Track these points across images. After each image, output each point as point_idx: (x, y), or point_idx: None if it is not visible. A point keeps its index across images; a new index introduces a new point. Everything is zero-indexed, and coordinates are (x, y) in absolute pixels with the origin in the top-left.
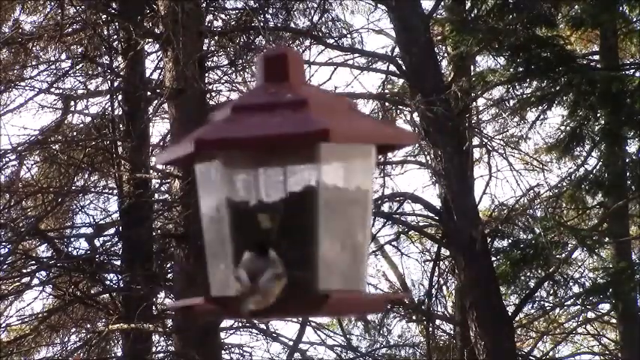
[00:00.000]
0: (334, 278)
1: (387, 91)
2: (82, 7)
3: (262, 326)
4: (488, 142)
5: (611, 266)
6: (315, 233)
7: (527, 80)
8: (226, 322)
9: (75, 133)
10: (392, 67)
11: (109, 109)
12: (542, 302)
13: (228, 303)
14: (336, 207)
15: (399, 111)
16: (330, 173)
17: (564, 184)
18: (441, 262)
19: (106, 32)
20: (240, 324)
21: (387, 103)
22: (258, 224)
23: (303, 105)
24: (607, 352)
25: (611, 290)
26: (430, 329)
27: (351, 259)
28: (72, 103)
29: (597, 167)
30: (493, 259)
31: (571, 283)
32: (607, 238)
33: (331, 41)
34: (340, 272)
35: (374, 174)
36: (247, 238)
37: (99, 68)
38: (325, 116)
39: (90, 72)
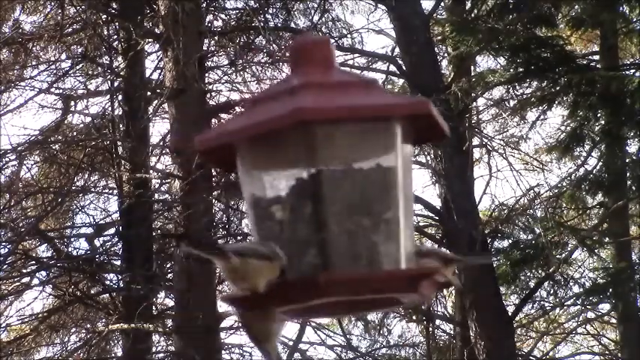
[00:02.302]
0: (351, 261)
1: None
2: (82, 7)
3: None
4: (488, 142)
5: (611, 266)
6: (322, 218)
7: (527, 80)
8: (226, 322)
9: (75, 133)
10: (392, 67)
11: (109, 109)
12: (542, 302)
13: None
14: (347, 188)
15: None
16: (335, 154)
17: (564, 184)
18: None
19: (106, 32)
20: (240, 324)
21: None
22: (273, 215)
23: (302, 89)
24: (607, 352)
25: (611, 290)
26: (430, 329)
27: (377, 239)
28: (72, 103)
29: (597, 167)
30: (493, 259)
31: (571, 283)
32: (607, 238)
33: (331, 41)
34: (362, 254)
35: (402, 150)
36: (266, 229)
37: (99, 68)
38: (322, 97)
39: (90, 72)
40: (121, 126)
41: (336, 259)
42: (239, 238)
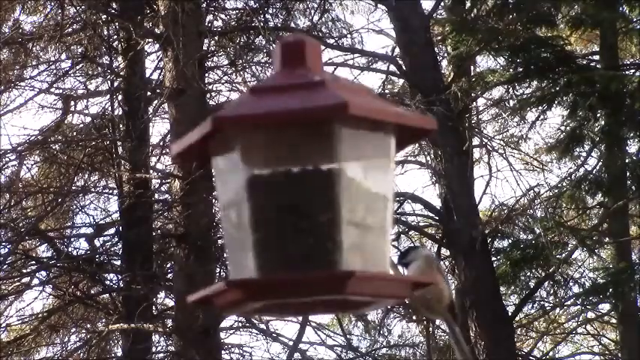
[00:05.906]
0: (359, 260)
1: (387, 91)
2: (82, 7)
3: (262, 326)
4: (488, 142)
5: (611, 266)
6: (337, 213)
7: (527, 80)
8: (226, 322)
9: (75, 133)
10: (392, 67)
11: (109, 109)
12: (542, 302)
13: (248, 284)
14: (357, 188)
15: None
16: (350, 155)
17: (564, 184)
18: (441, 262)
19: (106, 32)
20: (240, 324)
21: None
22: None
23: (321, 85)
24: (607, 352)
25: (611, 290)
26: (430, 329)
27: (375, 241)
28: (72, 103)
29: (597, 167)
30: (493, 259)
31: (571, 283)
32: (607, 238)
33: (331, 41)
34: (365, 254)
35: (394, 168)
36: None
37: (99, 68)
38: (344, 94)
39: (90, 72)
40: (121, 126)
41: (349, 257)
42: None
